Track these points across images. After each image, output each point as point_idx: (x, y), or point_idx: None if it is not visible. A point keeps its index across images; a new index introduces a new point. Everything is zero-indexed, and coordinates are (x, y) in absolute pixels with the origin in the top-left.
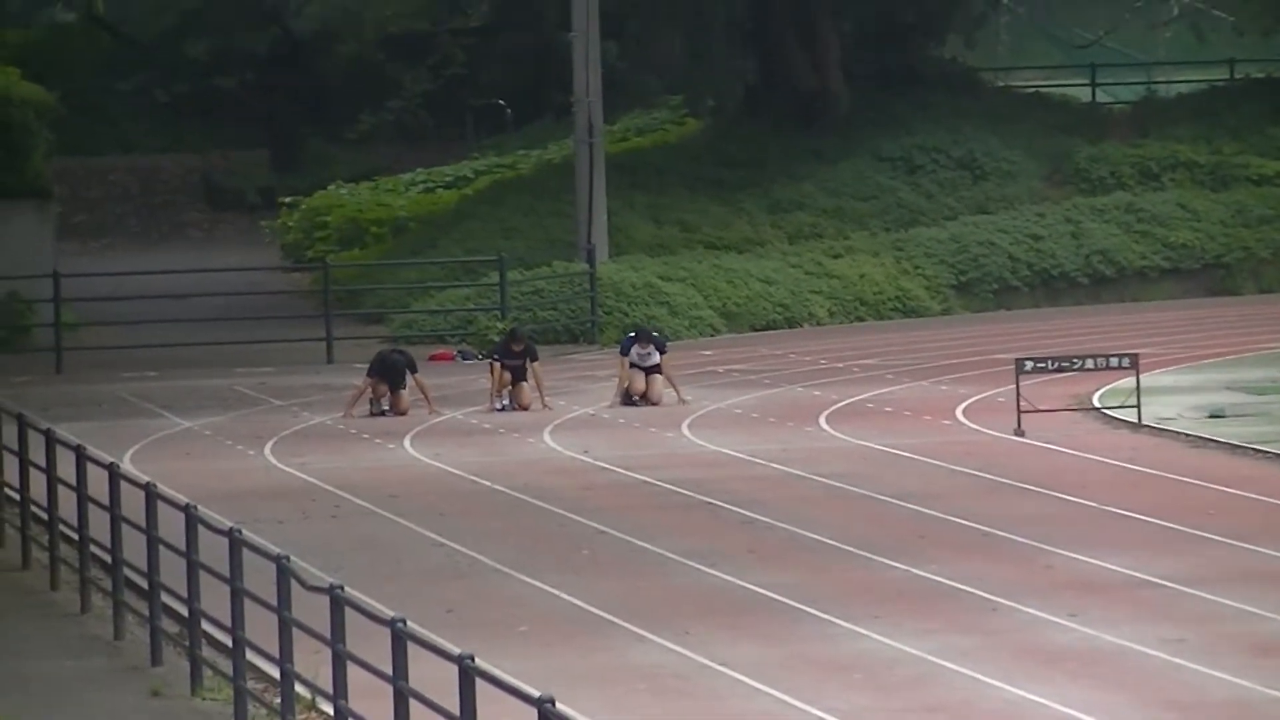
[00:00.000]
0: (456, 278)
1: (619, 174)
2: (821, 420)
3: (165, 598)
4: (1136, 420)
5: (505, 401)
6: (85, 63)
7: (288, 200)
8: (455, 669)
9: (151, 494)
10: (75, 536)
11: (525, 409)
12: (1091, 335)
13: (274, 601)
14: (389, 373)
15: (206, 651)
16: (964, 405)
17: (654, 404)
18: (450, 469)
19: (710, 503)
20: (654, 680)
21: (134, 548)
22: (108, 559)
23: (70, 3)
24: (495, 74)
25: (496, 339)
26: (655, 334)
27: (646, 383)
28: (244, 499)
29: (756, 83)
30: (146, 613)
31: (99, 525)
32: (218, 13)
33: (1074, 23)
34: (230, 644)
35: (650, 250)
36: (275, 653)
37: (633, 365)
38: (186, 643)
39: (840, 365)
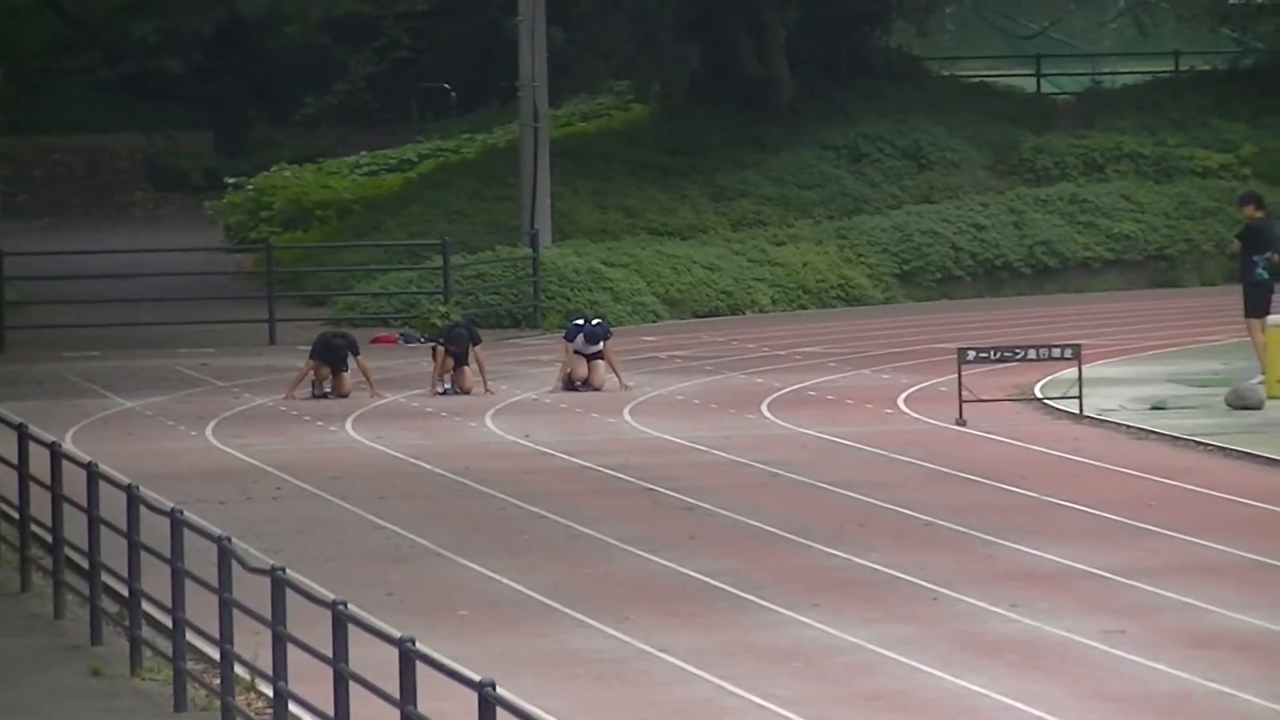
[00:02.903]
0: (400, 261)
1: (563, 159)
2: (763, 408)
3: (106, 577)
4: (1078, 411)
5: (447, 385)
6: (32, 42)
7: (233, 180)
8: (396, 652)
9: (93, 474)
10: (15, 515)
11: (467, 392)
12: (1034, 326)
13: (215, 582)
14: (331, 355)
15: (146, 632)
16: (906, 394)
17: (596, 389)
18: (392, 452)
19: (651, 489)
20: (593, 666)
21: (75, 527)
22: (48, 538)
23: None
24: (440, 58)
25: (439, 323)
26: (597, 323)
27: (589, 368)
28: (185, 480)
29: (702, 69)
30: (87, 592)
31: (40, 504)
32: None
33: (1019, 13)
34: (170, 624)
35: (593, 236)
36: (215, 634)
37: (576, 351)
38: (127, 622)
39: (782, 353)
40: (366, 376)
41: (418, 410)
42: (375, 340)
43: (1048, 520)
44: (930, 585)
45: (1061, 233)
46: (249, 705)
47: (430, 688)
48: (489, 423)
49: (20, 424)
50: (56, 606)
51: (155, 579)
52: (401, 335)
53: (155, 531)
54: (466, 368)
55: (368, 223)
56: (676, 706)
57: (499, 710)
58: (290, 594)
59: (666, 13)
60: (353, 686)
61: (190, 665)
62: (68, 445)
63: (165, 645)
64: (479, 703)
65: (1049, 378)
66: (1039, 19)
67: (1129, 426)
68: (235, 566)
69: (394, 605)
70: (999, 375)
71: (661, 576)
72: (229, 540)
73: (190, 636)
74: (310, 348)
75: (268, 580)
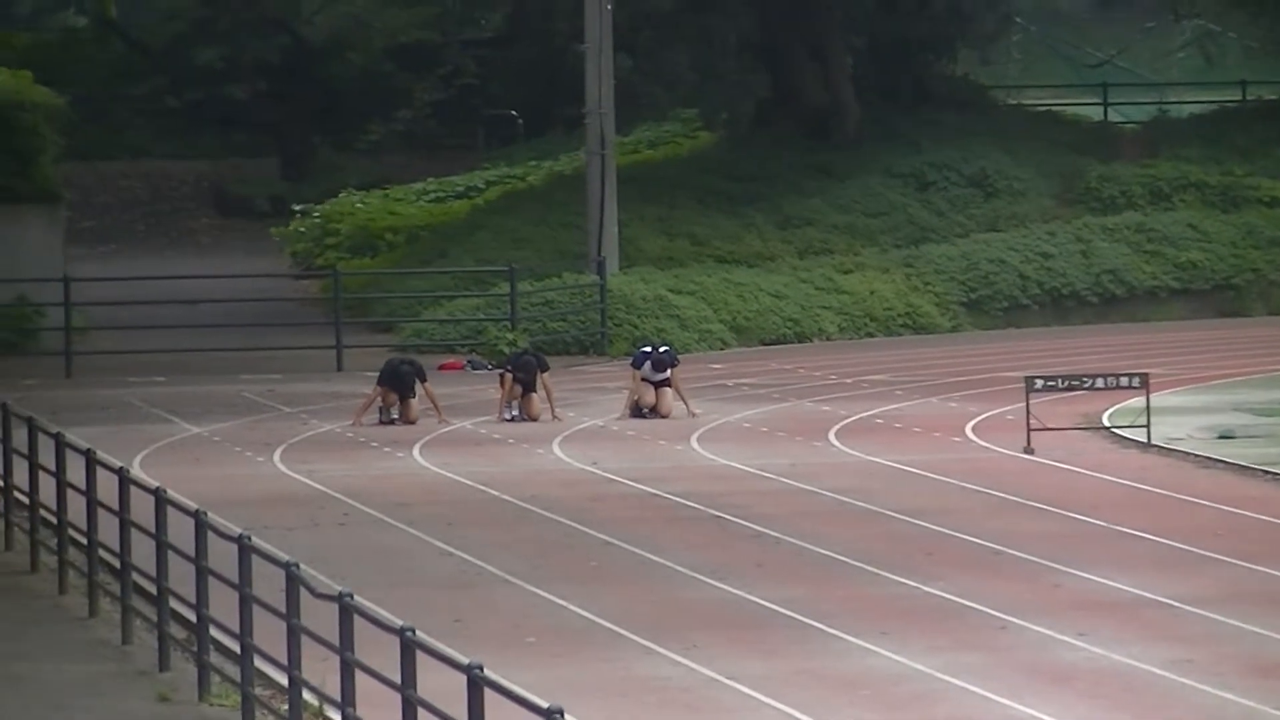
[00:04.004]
0: (466, 288)
1: (630, 186)
2: (831, 435)
3: (174, 603)
4: (1146, 440)
5: (514, 412)
6: (96, 68)
7: (300, 207)
8: (463, 679)
9: (161, 499)
10: (84, 541)
11: (534, 419)
12: (1101, 354)
13: (282, 608)
14: (398, 382)
15: (214, 658)
16: (973, 422)
17: (663, 417)
18: (459, 478)
19: (718, 516)
20: (661, 693)
21: (143, 553)
22: (116, 564)
23: (82, 7)
24: (506, 84)
25: (506, 349)
26: (665, 350)
27: (656, 395)
28: (253, 506)
29: (768, 97)
30: (155, 618)
31: (108, 530)
32: (229, 20)
33: (1085, 42)
34: (238, 650)
35: (660, 263)
36: (283, 659)
37: (644, 378)
38: (194, 648)
39: (850, 381)
40: (434, 403)
41: (485, 437)
42: (442, 367)
43: (1115, 549)
44: (997, 614)
45: (1128, 261)
46: None
47: (498, 714)
48: (556, 450)
49: (88, 449)
50: (124, 632)
51: (223, 605)
52: (468, 362)
53: (223, 557)
54: (534, 394)
55: (434, 249)
56: None
57: None
58: (358, 620)
59: (732, 41)
60: (421, 713)
61: (258, 691)
62: (135, 471)
63: (233, 671)
64: None
65: (1116, 406)
66: (1105, 48)
67: (1196, 455)
68: (303, 592)
69: (461, 632)
70: (1066, 404)
71: (729, 604)
72: (296, 566)
73: (258, 662)
74: (378, 374)
75: (335, 606)
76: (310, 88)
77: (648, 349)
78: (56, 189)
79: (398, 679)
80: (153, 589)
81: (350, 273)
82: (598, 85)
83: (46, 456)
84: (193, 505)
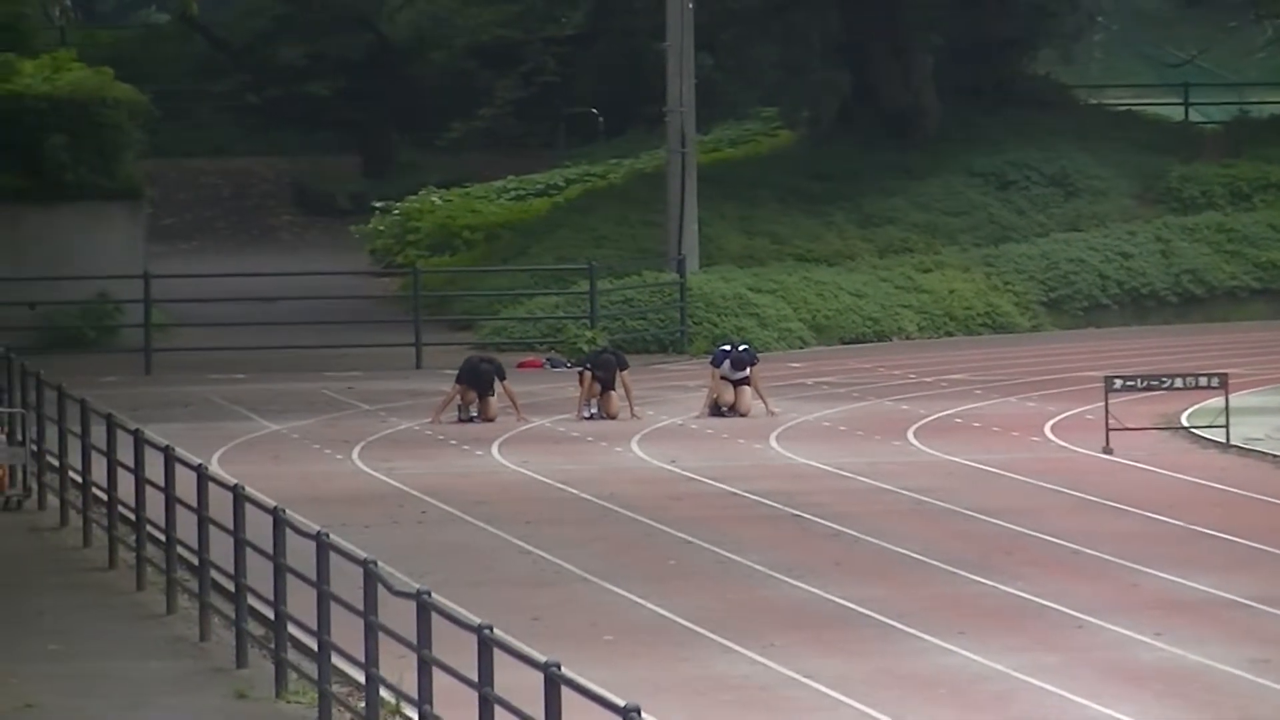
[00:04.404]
0: (546, 285)
1: (710, 185)
2: (910, 434)
3: (251, 600)
4: (1225, 440)
5: (593, 410)
6: (178, 65)
7: (380, 204)
8: (541, 677)
9: (239, 496)
10: (162, 537)
11: (613, 418)
12: (1180, 354)
13: (360, 606)
14: (477, 380)
15: (292, 655)
16: (1052, 422)
17: (742, 415)
18: (538, 476)
19: (797, 515)
20: (739, 692)
21: (221, 550)
22: (194, 560)
23: (164, 4)
24: (587, 83)
25: (585, 348)
26: (744, 348)
27: (735, 394)
28: (331, 503)
29: (849, 96)
30: (232, 615)
31: (186, 526)
32: (310, 18)
33: (1166, 42)
34: (316, 647)
35: (740, 261)
36: (361, 657)
37: (723, 377)
38: (272, 645)
39: (929, 380)
40: (512, 401)
41: (564, 435)
42: (521, 365)
43: (1193, 549)
44: (1075, 613)
45: (1208, 261)
46: None
47: (575, 713)
48: (635, 448)
49: (167, 446)
50: (202, 629)
51: (301, 602)
52: (548, 360)
53: (301, 555)
54: (613, 393)
55: (514, 247)
56: None
57: None
58: (436, 618)
59: (814, 40)
60: (498, 711)
61: (335, 688)
62: (214, 468)
63: (310, 668)
64: None
65: (1195, 406)
66: (1187, 47)
67: (1276, 456)
68: (381, 590)
69: (539, 630)
70: (1145, 404)
71: (807, 603)
72: (374, 564)
73: (335, 660)
74: (457, 372)
75: (413, 604)
76: (392, 85)
77: (727, 347)
78: (138, 186)
79: (475, 677)
80: (231, 586)
81: (430, 270)
82: (679, 83)
83: (125, 453)
84: (271, 502)
